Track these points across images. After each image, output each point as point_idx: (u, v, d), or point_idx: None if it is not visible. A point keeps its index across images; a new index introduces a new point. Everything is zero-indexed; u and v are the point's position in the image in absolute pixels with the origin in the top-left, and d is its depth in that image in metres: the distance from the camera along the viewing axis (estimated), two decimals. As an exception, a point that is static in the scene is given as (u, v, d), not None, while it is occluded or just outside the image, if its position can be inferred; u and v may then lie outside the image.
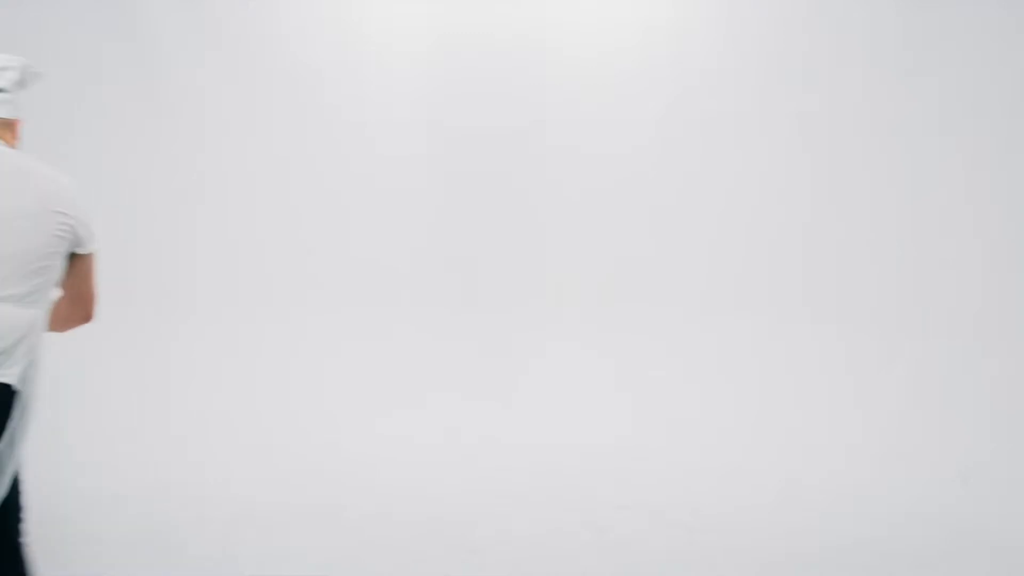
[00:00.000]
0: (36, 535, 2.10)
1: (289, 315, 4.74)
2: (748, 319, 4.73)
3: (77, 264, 2.03)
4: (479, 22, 5.36)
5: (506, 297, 5.19)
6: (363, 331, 4.80)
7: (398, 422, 4.45)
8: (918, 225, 4.44)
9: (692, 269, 4.92)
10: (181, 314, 4.67)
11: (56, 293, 2.04)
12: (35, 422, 1.96)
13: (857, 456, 4.01)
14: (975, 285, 4.31)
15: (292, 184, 5.16)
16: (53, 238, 1.92)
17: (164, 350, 4.55)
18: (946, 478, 3.74)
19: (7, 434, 1.84)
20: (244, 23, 5.22)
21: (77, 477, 3.61)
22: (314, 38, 5.31)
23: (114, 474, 3.71)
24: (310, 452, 4.08)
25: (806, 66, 4.65)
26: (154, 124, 4.76)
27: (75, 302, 2.06)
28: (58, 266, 1.97)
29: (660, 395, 4.65)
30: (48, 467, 2.93)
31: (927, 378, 4.28)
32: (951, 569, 3.05)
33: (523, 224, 5.28)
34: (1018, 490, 3.66)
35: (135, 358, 4.50)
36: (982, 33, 4.28)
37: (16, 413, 1.85)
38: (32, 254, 1.89)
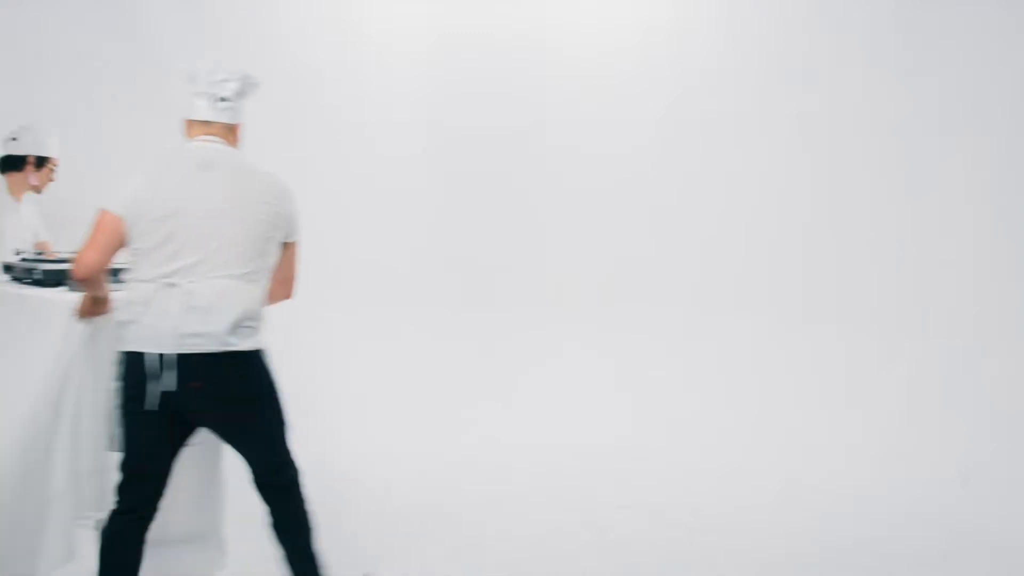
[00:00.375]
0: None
1: (289, 315, 4.73)
2: (748, 319, 4.73)
3: (285, 251, 2.38)
4: (479, 22, 5.36)
5: (506, 297, 5.19)
6: (362, 331, 4.80)
7: (397, 422, 4.45)
8: (918, 225, 4.43)
9: (692, 269, 4.92)
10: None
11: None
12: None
13: (857, 456, 4.01)
14: (975, 285, 4.31)
15: (292, 184, 5.15)
16: (271, 227, 2.27)
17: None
18: (946, 478, 3.74)
19: (275, 388, 2.31)
20: (244, 23, 5.22)
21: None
22: (314, 38, 5.30)
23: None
24: (308, 453, 4.07)
25: (806, 66, 4.65)
26: (153, 125, 4.71)
27: (281, 282, 2.41)
28: (274, 251, 2.32)
29: (660, 395, 4.65)
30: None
31: (927, 378, 4.28)
32: (951, 569, 3.05)
33: (523, 224, 5.28)
34: (1018, 490, 3.66)
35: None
36: (982, 33, 4.28)
37: (268, 369, 2.30)
38: (255, 239, 2.23)
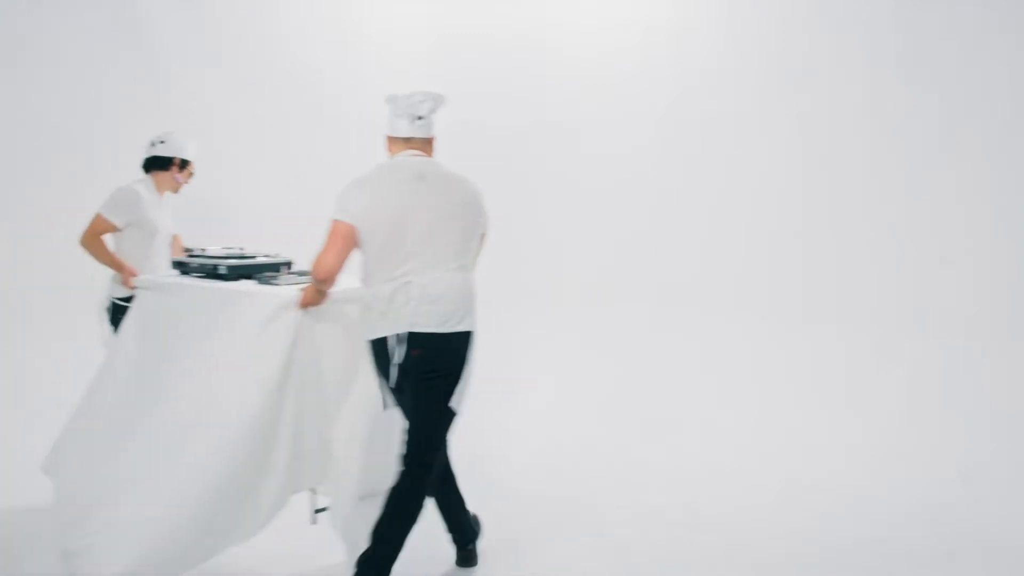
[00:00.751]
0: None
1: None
2: (747, 319, 4.73)
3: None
4: (479, 22, 5.36)
5: (505, 296, 5.18)
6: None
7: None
8: (917, 225, 4.43)
9: (692, 269, 4.92)
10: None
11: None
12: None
13: (857, 456, 4.01)
14: (974, 285, 4.31)
15: (292, 185, 5.15)
16: (475, 224, 2.68)
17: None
18: (946, 478, 3.74)
19: (468, 370, 2.64)
20: (244, 23, 5.22)
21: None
22: (314, 38, 5.31)
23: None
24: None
25: (806, 66, 4.65)
26: (153, 125, 4.76)
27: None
28: (477, 244, 2.72)
29: (660, 395, 4.65)
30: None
31: (926, 378, 4.28)
32: (951, 569, 3.05)
33: (523, 224, 5.27)
34: (1018, 490, 3.66)
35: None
36: (982, 33, 4.28)
37: (470, 351, 2.65)
38: (466, 236, 2.64)
